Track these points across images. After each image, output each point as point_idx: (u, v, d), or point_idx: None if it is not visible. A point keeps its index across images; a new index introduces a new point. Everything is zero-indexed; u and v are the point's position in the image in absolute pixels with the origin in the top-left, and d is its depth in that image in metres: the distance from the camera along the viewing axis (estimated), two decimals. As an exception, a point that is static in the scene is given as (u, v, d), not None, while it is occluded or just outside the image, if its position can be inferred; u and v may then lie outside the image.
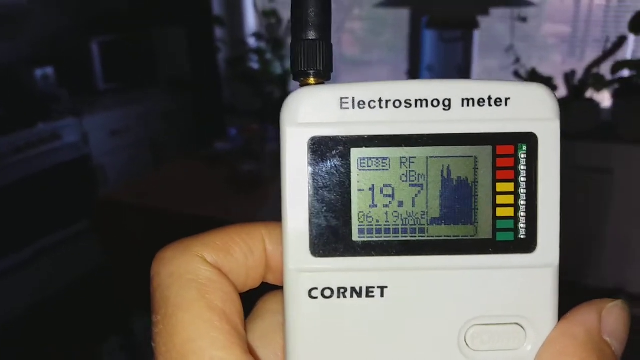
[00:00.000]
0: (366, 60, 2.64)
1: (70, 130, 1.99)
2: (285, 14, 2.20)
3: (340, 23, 2.46)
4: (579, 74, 1.82)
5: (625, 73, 1.75)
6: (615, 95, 1.78)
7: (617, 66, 1.74)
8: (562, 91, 1.83)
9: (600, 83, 1.78)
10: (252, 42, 2.40)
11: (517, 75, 1.84)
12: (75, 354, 1.76)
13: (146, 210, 1.48)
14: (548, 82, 1.85)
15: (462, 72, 1.98)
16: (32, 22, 2.15)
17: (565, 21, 2.10)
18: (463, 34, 1.67)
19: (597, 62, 1.78)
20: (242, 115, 2.34)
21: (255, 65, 2.39)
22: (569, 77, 1.84)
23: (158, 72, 2.50)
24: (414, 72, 2.13)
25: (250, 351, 0.18)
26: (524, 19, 1.85)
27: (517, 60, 1.85)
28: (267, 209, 1.44)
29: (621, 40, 1.73)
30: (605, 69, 1.77)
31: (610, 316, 0.18)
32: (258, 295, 0.21)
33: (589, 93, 1.81)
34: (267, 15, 2.28)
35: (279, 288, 0.20)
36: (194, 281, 0.18)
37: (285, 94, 1.91)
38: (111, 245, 1.59)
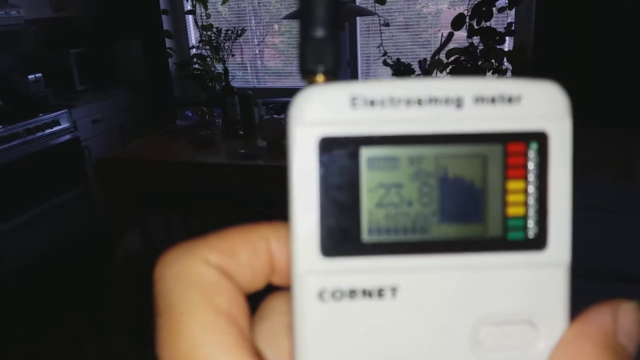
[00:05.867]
0: (287, 71, 3.16)
1: (64, 119, 2.65)
2: (220, 25, 2.93)
3: (261, 38, 3.17)
4: (428, 60, 2.66)
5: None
6: (450, 73, 2.63)
7: (450, 53, 2.59)
8: (418, 72, 2.66)
9: (441, 65, 2.62)
10: (194, 49, 3.12)
11: (386, 64, 2.66)
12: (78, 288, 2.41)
13: (132, 161, 2.18)
14: (408, 67, 2.69)
15: (350, 63, 2.79)
16: (25, 39, 2.79)
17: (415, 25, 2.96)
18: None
19: (438, 51, 2.62)
20: (190, 105, 3.04)
21: (197, 67, 3.11)
22: (421, 62, 2.67)
23: (121, 75, 3.17)
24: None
25: (257, 354, 0.17)
26: (387, 24, 2.68)
27: (385, 53, 2.67)
28: (218, 155, 2.18)
29: (450, 35, 2.58)
30: (442, 56, 2.62)
31: (626, 318, 0.17)
32: (262, 297, 0.20)
33: (435, 73, 2.65)
34: (206, 29, 3.01)
35: (283, 289, 0.19)
36: (198, 284, 0.17)
37: (223, 88, 2.61)
38: (108, 189, 2.26)
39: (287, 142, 0.18)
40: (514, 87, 0.18)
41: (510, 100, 0.18)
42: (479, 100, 0.18)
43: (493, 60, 2.58)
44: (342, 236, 0.18)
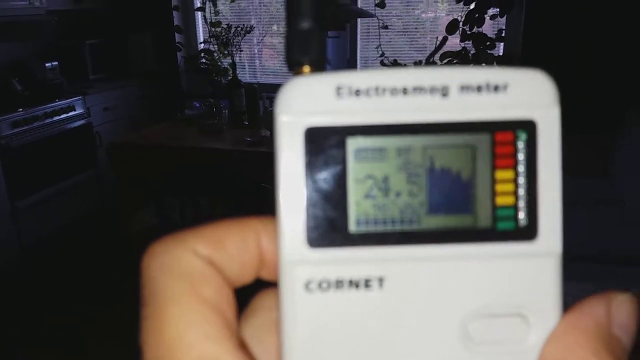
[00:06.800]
0: (285, 71, 3.25)
1: (78, 105, 2.82)
2: (237, 20, 3.10)
3: (260, 38, 3.30)
4: (423, 62, 2.83)
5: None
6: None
7: (443, 56, 2.76)
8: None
9: (435, 67, 2.79)
10: (204, 44, 3.29)
11: (383, 64, 2.83)
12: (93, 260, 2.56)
13: (145, 145, 2.34)
14: (405, 68, 2.85)
15: (350, 62, 2.97)
16: (46, 29, 2.96)
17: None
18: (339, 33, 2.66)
19: (432, 54, 2.80)
20: (197, 97, 3.20)
21: (204, 61, 3.27)
22: (416, 65, 2.85)
23: (132, 66, 3.34)
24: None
25: (243, 347, 0.17)
26: (385, 27, 2.86)
27: (383, 54, 2.85)
28: (224, 142, 2.34)
29: (444, 39, 2.75)
30: (436, 58, 2.79)
31: (621, 309, 0.17)
32: (251, 293, 0.20)
33: (429, 74, 2.82)
34: (214, 25, 3.17)
35: (272, 285, 0.19)
36: (185, 274, 0.17)
37: (230, 81, 2.77)
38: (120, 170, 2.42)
39: (273, 132, 0.18)
40: (500, 76, 0.18)
41: (496, 88, 0.18)
42: (465, 89, 0.18)
43: (483, 64, 2.76)
44: (329, 227, 0.18)
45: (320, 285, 0.18)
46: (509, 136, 0.18)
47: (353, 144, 0.18)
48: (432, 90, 0.18)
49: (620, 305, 0.17)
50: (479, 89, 0.18)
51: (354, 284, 0.18)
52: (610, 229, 1.67)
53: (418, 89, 0.18)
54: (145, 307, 0.17)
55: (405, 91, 0.18)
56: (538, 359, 0.18)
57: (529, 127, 0.18)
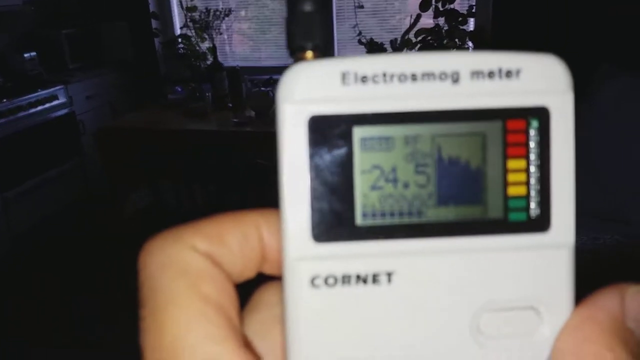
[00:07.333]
0: (256, 57, 3.36)
1: (61, 94, 2.83)
2: (204, 6, 3.13)
3: (230, 23, 3.29)
4: (399, 40, 2.92)
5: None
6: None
7: (418, 33, 2.85)
8: (390, 51, 2.92)
9: (410, 44, 2.88)
10: (183, 29, 3.32)
11: (360, 43, 2.91)
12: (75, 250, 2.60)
13: (131, 130, 2.38)
14: (381, 47, 2.94)
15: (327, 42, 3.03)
16: (23, 19, 2.95)
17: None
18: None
19: (407, 31, 2.88)
20: (177, 83, 3.23)
21: (182, 46, 3.30)
22: (393, 42, 2.93)
23: (109, 54, 3.35)
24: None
25: (247, 345, 0.17)
26: (361, 6, 2.93)
27: (360, 33, 2.92)
28: (210, 124, 2.40)
29: (418, 16, 2.84)
30: (411, 36, 2.88)
31: (634, 302, 0.17)
32: (253, 287, 0.20)
33: (404, 51, 2.92)
34: (190, 10, 3.20)
35: (275, 278, 0.19)
36: (185, 272, 0.16)
37: (212, 65, 2.82)
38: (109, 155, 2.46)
39: (276, 121, 0.17)
40: (512, 61, 0.17)
41: (508, 74, 0.17)
42: (476, 75, 0.17)
43: (457, 40, 2.86)
44: (334, 220, 0.17)
45: (326, 281, 0.17)
46: (521, 124, 0.17)
47: (359, 132, 0.17)
48: (443, 76, 0.17)
49: (633, 297, 0.17)
50: (490, 74, 0.17)
51: (362, 279, 0.17)
52: (580, 189, 1.79)
53: (427, 75, 0.17)
54: (144, 307, 0.17)
55: (414, 77, 0.17)
56: (550, 352, 0.17)
57: (541, 114, 0.17)
